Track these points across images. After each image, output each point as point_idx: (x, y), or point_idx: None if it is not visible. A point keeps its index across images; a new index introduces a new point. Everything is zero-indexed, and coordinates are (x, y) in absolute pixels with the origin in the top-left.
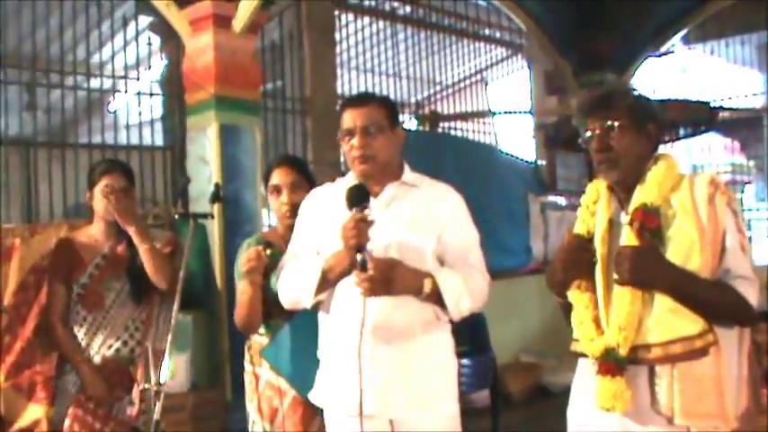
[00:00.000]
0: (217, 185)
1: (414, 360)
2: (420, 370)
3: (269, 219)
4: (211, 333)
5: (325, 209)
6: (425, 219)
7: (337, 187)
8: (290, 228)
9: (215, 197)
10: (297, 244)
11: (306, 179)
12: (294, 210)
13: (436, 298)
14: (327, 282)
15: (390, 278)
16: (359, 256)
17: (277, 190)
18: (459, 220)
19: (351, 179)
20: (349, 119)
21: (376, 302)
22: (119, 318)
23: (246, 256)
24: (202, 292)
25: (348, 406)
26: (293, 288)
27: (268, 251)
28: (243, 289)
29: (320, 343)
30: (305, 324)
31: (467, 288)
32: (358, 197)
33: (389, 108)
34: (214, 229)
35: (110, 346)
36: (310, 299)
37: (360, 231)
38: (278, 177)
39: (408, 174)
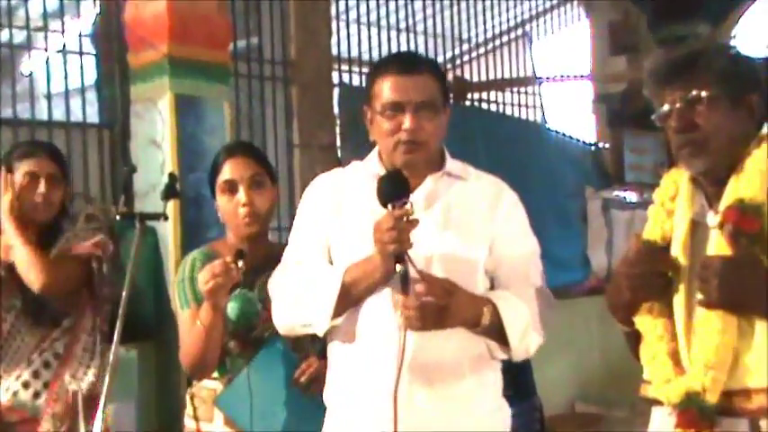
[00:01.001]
0: (172, 176)
1: (459, 405)
2: (468, 417)
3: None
4: (164, 372)
5: (340, 203)
6: (477, 222)
7: (354, 174)
8: (251, 238)
9: (169, 192)
10: (299, 249)
11: (269, 174)
12: (256, 214)
13: (495, 331)
14: (350, 299)
15: (446, 307)
16: (399, 267)
17: (231, 187)
18: (516, 225)
19: (374, 164)
20: (397, 89)
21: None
22: (22, 349)
23: (210, 271)
24: (152, 318)
25: None
26: (299, 307)
27: (240, 264)
28: (203, 316)
29: (330, 382)
30: (273, 362)
31: (534, 319)
32: (395, 189)
33: (443, 78)
34: (168, 233)
35: (7, 389)
36: (326, 321)
37: (401, 233)
38: (232, 170)
39: (451, 162)
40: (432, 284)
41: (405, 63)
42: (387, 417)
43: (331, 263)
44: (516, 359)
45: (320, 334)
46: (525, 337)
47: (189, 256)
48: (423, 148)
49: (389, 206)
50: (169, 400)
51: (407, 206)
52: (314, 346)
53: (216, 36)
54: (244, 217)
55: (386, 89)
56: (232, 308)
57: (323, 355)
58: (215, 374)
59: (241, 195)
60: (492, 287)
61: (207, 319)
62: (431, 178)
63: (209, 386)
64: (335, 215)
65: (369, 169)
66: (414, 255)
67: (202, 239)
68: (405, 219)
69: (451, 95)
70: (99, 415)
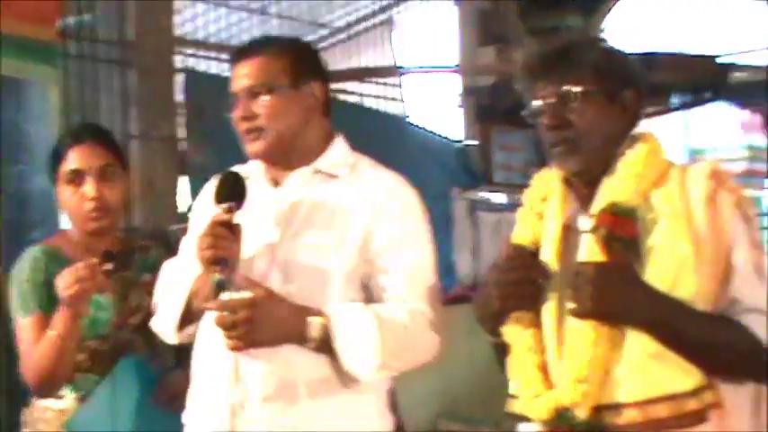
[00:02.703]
0: None
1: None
2: None
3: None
4: None
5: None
6: (345, 229)
7: (245, 171)
8: (97, 233)
9: None
10: (181, 251)
11: (120, 162)
12: (103, 208)
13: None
14: (194, 311)
15: (251, 320)
16: (217, 277)
17: (77, 178)
18: (403, 230)
19: (252, 163)
20: (234, 78)
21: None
22: None
23: (72, 274)
24: None
25: None
26: (158, 314)
27: (110, 266)
28: (58, 325)
29: (188, 401)
30: (130, 377)
31: (384, 336)
32: (228, 190)
33: (293, 55)
34: None
35: None
36: (173, 333)
37: (217, 240)
38: (79, 159)
39: (331, 156)
40: (232, 300)
41: (241, 49)
42: None
43: None
44: (361, 380)
45: (174, 343)
46: (364, 356)
47: (27, 256)
48: (266, 137)
49: (216, 209)
50: None
51: (232, 210)
52: (172, 357)
53: (42, 10)
54: (91, 211)
55: (232, 78)
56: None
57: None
58: (61, 392)
59: (89, 188)
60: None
61: (63, 329)
62: (296, 174)
63: (56, 406)
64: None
65: (256, 166)
66: (259, 262)
67: (25, 241)
68: (222, 224)
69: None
70: None
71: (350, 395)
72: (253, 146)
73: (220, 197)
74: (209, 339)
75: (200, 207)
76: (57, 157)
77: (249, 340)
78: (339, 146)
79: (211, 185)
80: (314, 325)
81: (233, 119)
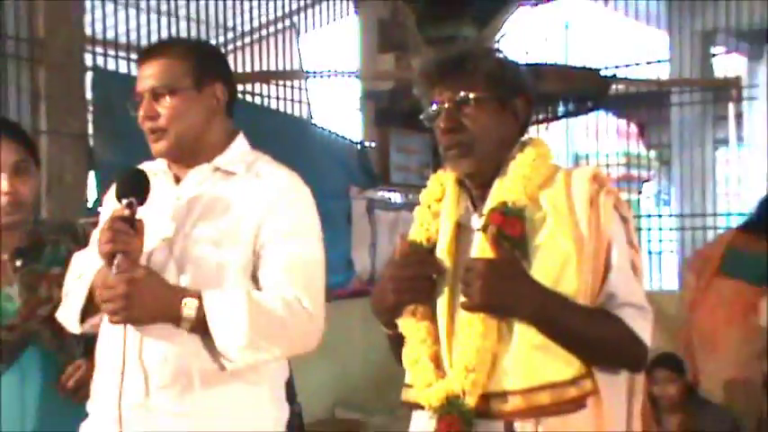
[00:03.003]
0: None
1: (193, 423)
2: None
3: None
4: None
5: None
6: (239, 222)
7: (150, 168)
8: (10, 227)
9: None
10: (90, 245)
11: (33, 158)
12: (16, 203)
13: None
14: (96, 302)
15: (128, 295)
16: (114, 269)
17: None
18: (290, 223)
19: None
20: (139, 79)
21: (147, 333)
22: None
23: None
24: None
25: None
26: (64, 303)
27: (18, 263)
28: None
29: (92, 390)
30: (34, 368)
31: (253, 317)
32: (129, 187)
33: (195, 56)
34: None
35: None
36: (76, 323)
37: (116, 235)
38: None
39: (230, 154)
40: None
41: (146, 50)
42: (113, 427)
43: None
44: (232, 365)
45: (77, 332)
46: (232, 336)
47: None
48: (166, 136)
49: (122, 204)
50: None
51: (132, 206)
52: (79, 348)
53: None
54: (5, 206)
55: (136, 80)
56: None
57: (91, 357)
58: None
59: (3, 184)
60: None
61: None
62: (195, 172)
63: None
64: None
65: (157, 164)
66: (158, 255)
67: None
68: (119, 219)
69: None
70: None
71: (243, 385)
72: (156, 145)
73: (121, 193)
74: (112, 330)
75: (109, 202)
76: None
77: (125, 314)
78: (239, 144)
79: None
80: (189, 304)
81: (138, 118)
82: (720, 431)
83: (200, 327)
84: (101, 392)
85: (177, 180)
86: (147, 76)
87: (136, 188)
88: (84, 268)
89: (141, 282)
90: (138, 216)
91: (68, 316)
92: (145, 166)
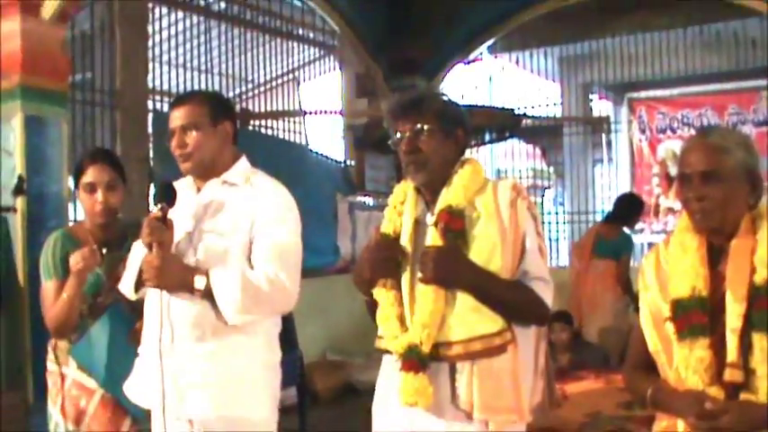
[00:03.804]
0: (20, 178)
1: (207, 363)
2: (212, 374)
3: (75, 213)
4: (12, 333)
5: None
6: (238, 219)
7: (180, 184)
8: (101, 227)
9: (18, 190)
10: None
11: (120, 177)
12: (108, 210)
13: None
14: (143, 278)
15: (159, 269)
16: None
17: (91, 188)
18: (273, 218)
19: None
20: (171, 119)
21: (174, 300)
22: None
23: (80, 254)
24: (3, 290)
25: (154, 404)
26: (123, 281)
27: (104, 250)
28: (69, 289)
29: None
30: (115, 322)
31: (245, 288)
32: (160, 195)
33: (211, 104)
34: (17, 223)
35: None
36: (132, 293)
37: (152, 230)
38: (93, 175)
39: (234, 171)
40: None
41: (177, 98)
42: (156, 365)
43: None
44: (231, 322)
45: (132, 299)
46: (235, 302)
47: (53, 236)
48: (191, 159)
49: (154, 208)
50: (15, 354)
51: (163, 209)
52: None
53: (58, 70)
54: (100, 212)
55: (170, 120)
56: (91, 282)
57: None
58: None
59: (99, 195)
60: None
61: (72, 292)
62: (209, 184)
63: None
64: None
65: (186, 180)
66: (182, 246)
67: (43, 228)
68: (155, 218)
69: (238, 122)
70: None
71: (243, 336)
72: (184, 165)
73: (157, 200)
74: (153, 297)
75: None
76: (78, 170)
77: (157, 282)
78: (241, 164)
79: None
80: (199, 279)
81: (171, 147)
82: (596, 363)
83: (208, 295)
84: (146, 339)
85: (197, 190)
86: (178, 116)
87: (167, 196)
88: (137, 254)
89: (168, 261)
90: (168, 216)
91: (125, 286)
92: (177, 182)
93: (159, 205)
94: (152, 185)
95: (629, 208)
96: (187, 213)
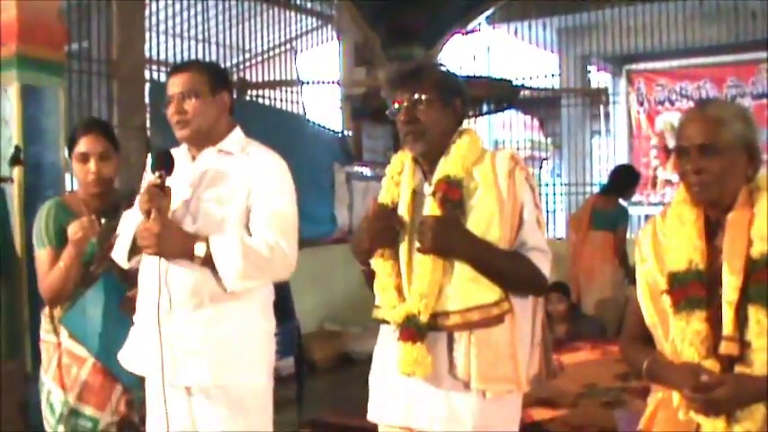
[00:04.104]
0: (17, 148)
1: (204, 330)
2: (226, 337)
3: (72, 184)
4: (11, 303)
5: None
6: (235, 187)
7: (177, 152)
8: (95, 196)
9: (14, 160)
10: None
11: (114, 147)
12: (101, 179)
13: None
14: (138, 246)
15: (158, 236)
16: (146, 220)
17: (84, 158)
18: (271, 187)
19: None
20: (169, 85)
21: (172, 267)
22: None
23: (79, 224)
24: (2, 261)
25: (150, 371)
26: (116, 248)
27: (103, 220)
28: (66, 258)
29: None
30: (107, 290)
31: (246, 255)
32: (157, 163)
33: (210, 73)
34: (14, 193)
35: None
36: (124, 259)
37: (151, 197)
38: (86, 145)
39: (229, 140)
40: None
41: (175, 66)
42: (154, 333)
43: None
44: (231, 288)
45: (125, 267)
46: (237, 268)
47: (46, 205)
48: (189, 126)
49: (155, 175)
50: (13, 323)
51: (162, 177)
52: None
53: (54, 39)
54: (92, 182)
55: (167, 87)
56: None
57: None
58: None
59: (91, 165)
60: None
61: (69, 261)
62: (205, 153)
63: (59, 308)
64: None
65: (184, 148)
66: (179, 213)
67: (40, 198)
68: (155, 186)
69: (235, 91)
70: None
71: (238, 302)
72: (181, 132)
73: (153, 167)
74: (150, 265)
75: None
76: (72, 140)
77: (156, 249)
78: (235, 133)
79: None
80: (199, 246)
81: (168, 113)
82: (593, 334)
83: (207, 262)
84: (142, 308)
85: (193, 159)
86: (177, 83)
87: (165, 164)
88: (130, 222)
89: (167, 228)
90: (167, 184)
91: (118, 254)
92: (174, 149)
93: (158, 173)
94: (149, 155)
95: (625, 179)
96: (183, 181)
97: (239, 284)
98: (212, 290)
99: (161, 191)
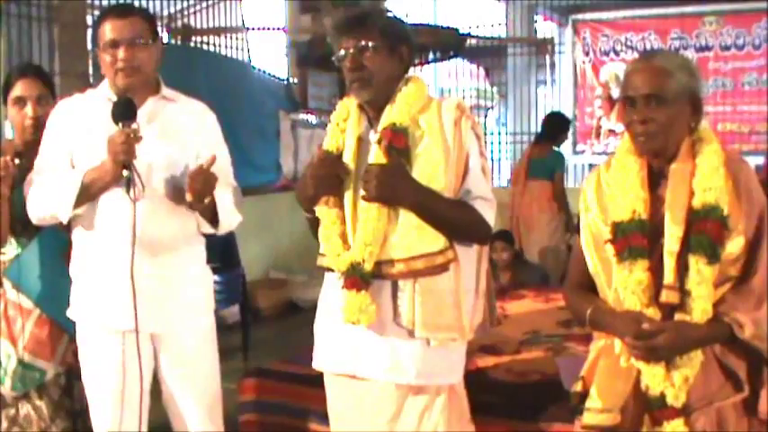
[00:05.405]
0: None
1: (176, 273)
2: (181, 283)
3: (5, 131)
4: None
5: (80, 121)
6: (187, 134)
7: (90, 99)
8: (32, 143)
9: None
10: (47, 158)
11: (51, 92)
12: (39, 124)
13: (209, 211)
14: (88, 195)
15: (126, 151)
16: (125, 173)
17: (21, 102)
18: (217, 139)
19: (105, 91)
20: (112, 30)
21: (147, 214)
22: None
23: None
24: None
25: (114, 321)
26: (47, 201)
27: (17, 161)
28: None
29: (75, 259)
30: (49, 240)
31: (236, 193)
32: (126, 112)
33: (151, 21)
34: None
35: None
36: (68, 212)
37: (129, 147)
38: (22, 89)
39: (165, 89)
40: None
41: (118, 10)
42: (126, 282)
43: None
44: (222, 232)
45: (65, 221)
46: (230, 217)
47: None
48: (137, 74)
49: (120, 125)
50: None
51: (134, 126)
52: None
53: None
54: (30, 126)
55: (105, 31)
56: (17, 197)
57: None
58: (4, 249)
59: (29, 110)
60: None
61: None
62: (151, 100)
63: (1, 259)
64: (76, 132)
65: (102, 94)
66: (138, 161)
67: None
68: (132, 135)
69: (180, 37)
70: None
71: (191, 246)
72: (127, 80)
73: (121, 116)
74: (106, 214)
75: (58, 127)
76: (7, 85)
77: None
78: (162, 84)
79: (60, 110)
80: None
81: (106, 58)
82: (536, 282)
83: (206, 209)
84: (101, 256)
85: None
86: (123, 29)
87: (131, 112)
88: (61, 175)
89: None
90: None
91: (59, 209)
92: (91, 93)
93: (132, 123)
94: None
95: (557, 126)
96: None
97: (228, 224)
98: (172, 234)
99: (137, 141)
